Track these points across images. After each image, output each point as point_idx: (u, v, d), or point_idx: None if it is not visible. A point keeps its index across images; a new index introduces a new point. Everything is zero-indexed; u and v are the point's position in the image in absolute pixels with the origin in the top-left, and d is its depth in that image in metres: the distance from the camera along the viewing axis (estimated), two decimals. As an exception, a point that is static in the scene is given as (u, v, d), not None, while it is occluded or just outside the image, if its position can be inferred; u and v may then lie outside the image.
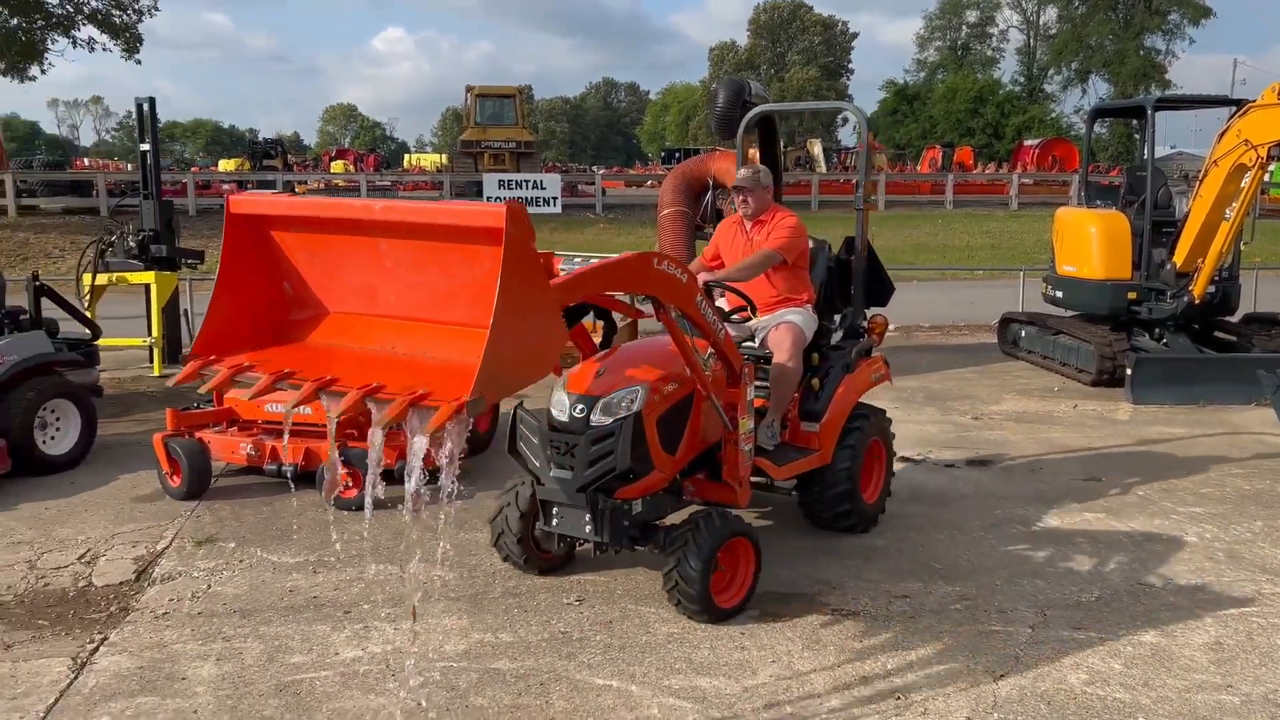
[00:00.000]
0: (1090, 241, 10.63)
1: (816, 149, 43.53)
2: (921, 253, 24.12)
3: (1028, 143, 47.24)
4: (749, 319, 5.61)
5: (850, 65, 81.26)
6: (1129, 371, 9.59)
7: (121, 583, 5.28)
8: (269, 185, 29.99)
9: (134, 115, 11.03)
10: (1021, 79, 72.08)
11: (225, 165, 47.45)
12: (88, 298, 10.06)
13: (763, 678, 4.26)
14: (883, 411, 6.20)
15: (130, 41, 30.73)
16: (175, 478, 6.57)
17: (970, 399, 9.76)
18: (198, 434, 6.77)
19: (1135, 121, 15.21)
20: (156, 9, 30.89)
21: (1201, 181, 9.70)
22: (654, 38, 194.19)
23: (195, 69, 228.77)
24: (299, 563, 5.48)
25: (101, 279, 10.31)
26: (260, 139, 50.80)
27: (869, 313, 6.26)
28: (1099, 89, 67.61)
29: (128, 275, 10.46)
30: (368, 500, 3.40)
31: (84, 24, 29.82)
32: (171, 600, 5.03)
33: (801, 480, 5.72)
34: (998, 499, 6.67)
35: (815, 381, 5.72)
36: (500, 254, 3.14)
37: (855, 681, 4.23)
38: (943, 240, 26.45)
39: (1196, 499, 6.69)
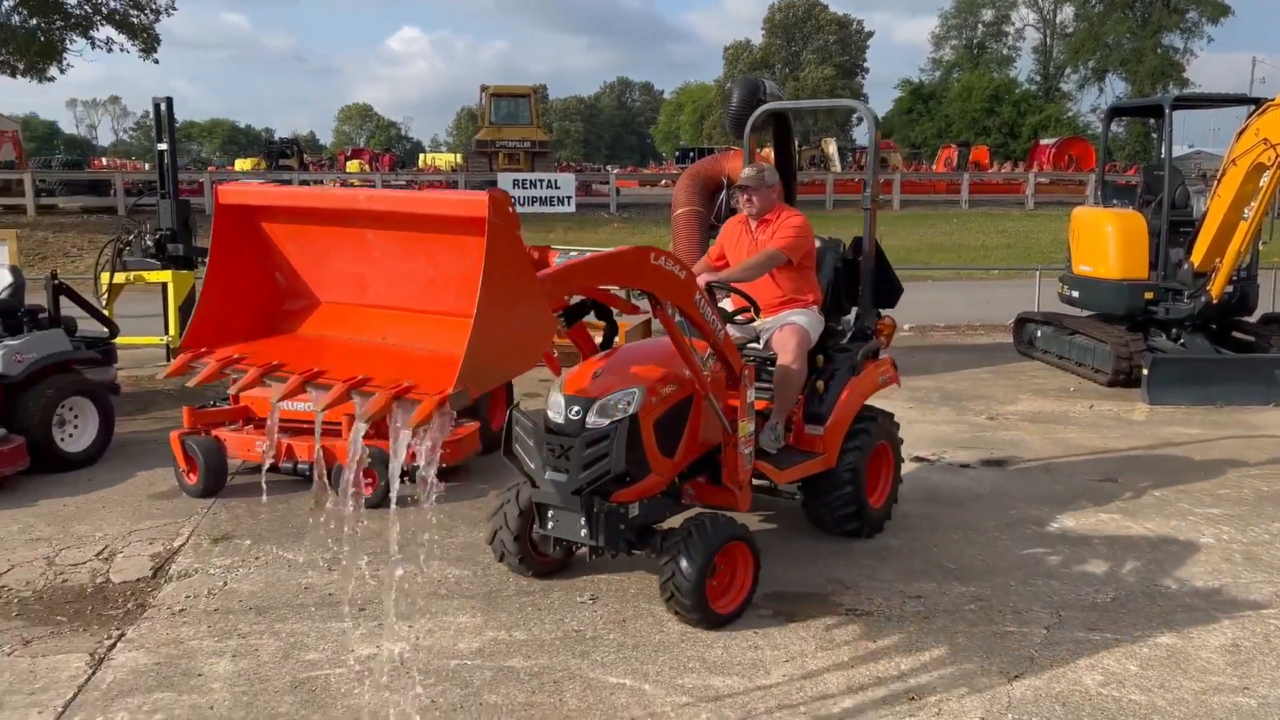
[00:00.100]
0: (1107, 241, 10.57)
1: (831, 148, 43.40)
2: (937, 252, 24.05)
3: (1044, 142, 47.00)
4: (752, 320, 5.53)
5: (865, 64, 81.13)
6: (1145, 372, 9.54)
7: (138, 579, 5.31)
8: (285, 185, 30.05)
9: (151, 115, 11.09)
10: (1038, 78, 71.75)
11: (241, 165, 47.65)
12: (105, 296, 10.12)
13: (776, 677, 4.26)
14: (890, 414, 6.13)
15: (148, 41, 30.92)
16: (192, 475, 6.62)
17: (985, 399, 9.73)
18: (214, 432, 6.81)
19: (1153, 120, 15.11)
20: (174, 9, 31.10)
21: (1220, 181, 9.64)
22: (669, 37, 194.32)
23: (212, 69, 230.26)
24: (314, 560, 5.50)
25: (119, 278, 10.38)
26: (276, 138, 51.07)
27: (884, 313, 6.22)
28: (1116, 87, 67.30)
29: (145, 274, 10.52)
30: (348, 497, 3.37)
31: (102, 24, 30.04)
32: (188, 597, 5.07)
33: (806, 484, 5.66)
34: (1012, 499, 6.65)
35: (820, 384, 5.63)
36: (483, 244, 3.09)
37: (869, 682, 4.23)
38: (958, 240, 26.36)
39: (1213, 500, 6.65)
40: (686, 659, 4.40)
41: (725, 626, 4.67)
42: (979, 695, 4.12)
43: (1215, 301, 9.80)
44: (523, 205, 27.67)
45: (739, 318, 5.40)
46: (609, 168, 51.23)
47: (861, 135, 71.76)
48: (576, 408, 4.54)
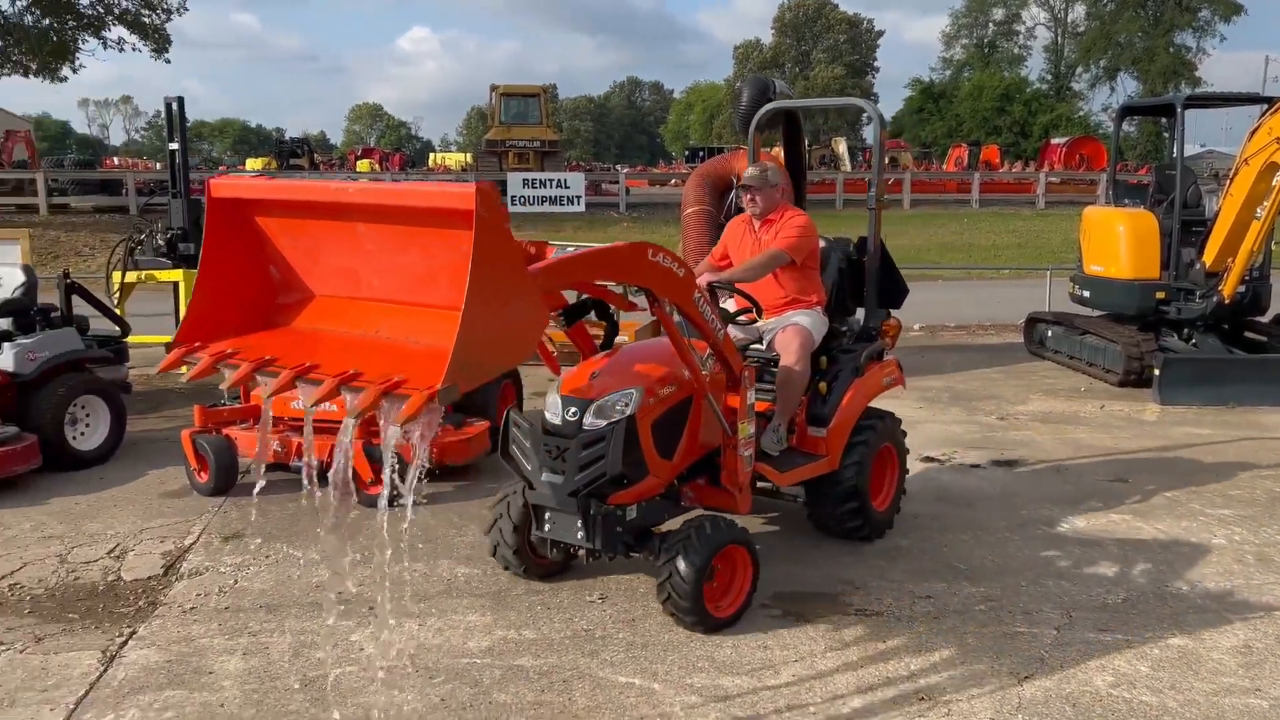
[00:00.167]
0: (1118, 241, 10.53)
1: (841, 147, 43.30)
2: (947, 252, 23.99)
3: (1055, 141, 46.82)
4: (754, 321, 5.47)
5: (876, 63, 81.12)
6: (1157, 372, 9.50)
7: (150, 577, 5.34)
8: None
9: (163, 115, 11.14)
10: (1049, 77, 71.48)
11: (252, 164, 47.83)
12: (117, 295, 10.17)
13: (785, 677, 4.25)
14: (895, 416, 6.06)
15: (159, 42, 31.09)
16: (203, 474, 6.64)
17: (996, 399, 9.70)
18: (225, 431, 6.83)
19: (1164, 120, 15.07)
20: (185, 9, 31.23)
21: (1232, 180, 9.60)
22: (679, 36, 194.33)
23: (223, 69, 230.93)
24: (325, 559, 5.51)
25: (131, 277, 10.41)
26: (287, 138, 51.17)
27: (893, 313, 6.18)
28: (1127, 86, 67.03)
29: (156, 273, 10.55)
30: (329, 491, 3.34)
31: (114, 24, 30.21)
32: (199, 595, 5.09)
33: (809, 487, 5.60)
34: (1023, 500, 6.63)
35: (823, 385, 5.57)
36: (470, 237, 3.02)
37: (878, 682, 4.22)
38: (969, 239, 26.29)
39: (1225, 501, 6.62)
40: (696, 658, 4.40)
41: (724, 630, 4.64)
42: (989, 696, 4.11)
43: (1227, 301, 9.75)
44: (532, 205, 27.69)
45: (741, 318, 5.34)
46: (618, 167, 51.28)
47: (872, 135, 71.55)
48: (573, 409, 4.51)
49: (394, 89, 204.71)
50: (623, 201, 30.73)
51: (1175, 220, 10.19)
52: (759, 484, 5.27)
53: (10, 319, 7.40)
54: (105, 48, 30.55)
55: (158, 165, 42.00)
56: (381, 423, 3.09)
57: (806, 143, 10.57)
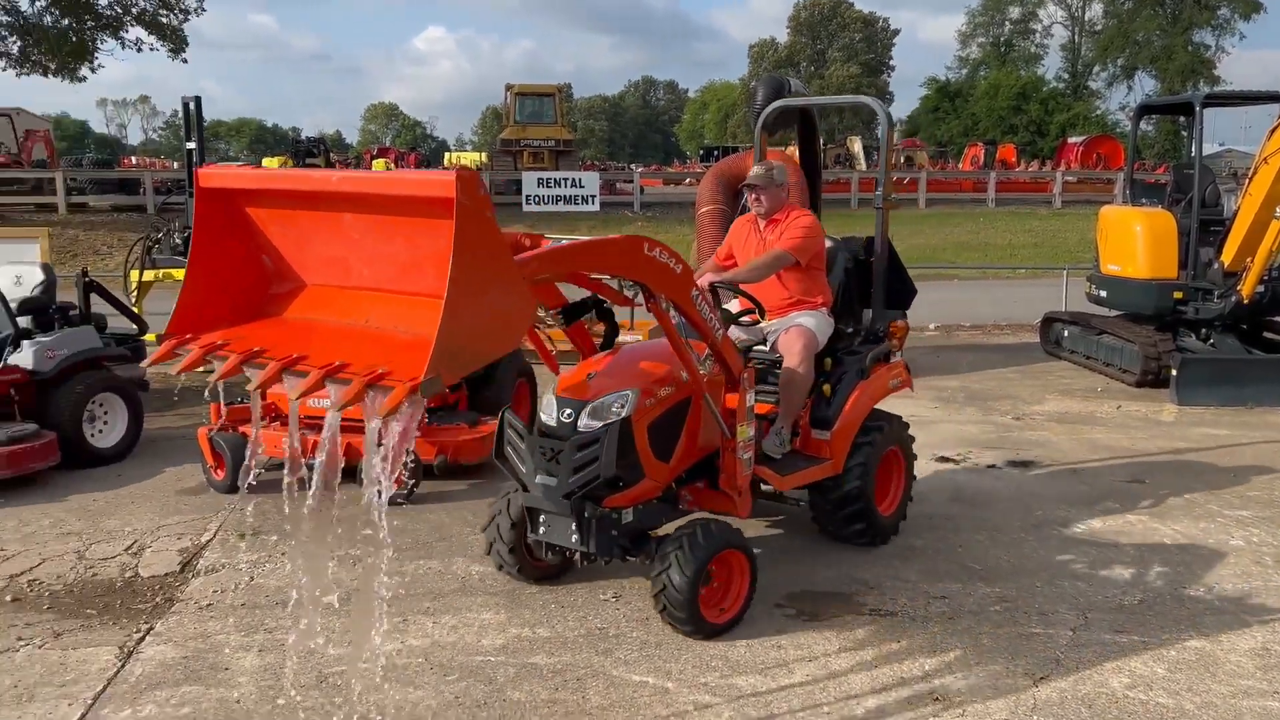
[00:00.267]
0: (1135, 240, 10.48)
1: (856, 146, 43.16)
2: (963, 251, 23.90)
3: (1072, 140, 46.52)
4: (757, 322, 5.40)
5: (891, 62, 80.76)
6: (1174, 372, 9.45)
7: (167, 574, 5.37)
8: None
9: (180, 114, 11.22)
10: (1066, 75, 71.07)
11: (269, 163, 47.81)
12: (135, 293, 10.24)
13: (799, 677, 4.25)
14: (901, 419, 5.95)
15: (177, 42, 31.26)
16: (219, 471, 6.68)
17: (1012, 399, 9.66)
18: (241, 428, 6.87)
19: (1183, 118, 14.97)
20: (203, 9, 31.41)
21: (1251, 179, 9.53)
22: (694, 35, 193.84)
23: (240, 69, 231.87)
24: (339, 556, 5.53)
25: (148, 275, 10.49)
26: (303, 138, 51.29)
27: (908, 314, 6.14)
28: (1145, 85, 66.55)
29: (174, 271, 10.61)
30: (327, 487, 3.34)
31: (132, 25, 30.36)
32: (215, 591, 5.12)
33: (812, 491, 5.54)
34: (1039, 500, 6.60)
35: (826, 387, 5.48)
36: (452, 225, 2.97)
37: (892, 683, 4.21)
38: (985, 239, 26.18)
39: (1243, 502, 6.57)
40: (709, 658, 4.40)
41: (721, 636, 4.58)
42: (1004, 697, 4.09)
43: (1246, 301, 9.69)
44: (547, 204, 27.73)
45: (744, 319, 5.26)
46: (633, 166, 51.31)
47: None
48: (568, 410, 4.47)
49: (409, 89, 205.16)
50: (637, 201, 30.72)
51: (1193, 219, 10.13)
52: (762, 488, 5.22)
53: (30, 317, 7.47)
54: (123, 48, 30.76)
55: (175, 164, 42.25)
56: (365, 415, 3.05)
57: (821, 142, 10.55)
